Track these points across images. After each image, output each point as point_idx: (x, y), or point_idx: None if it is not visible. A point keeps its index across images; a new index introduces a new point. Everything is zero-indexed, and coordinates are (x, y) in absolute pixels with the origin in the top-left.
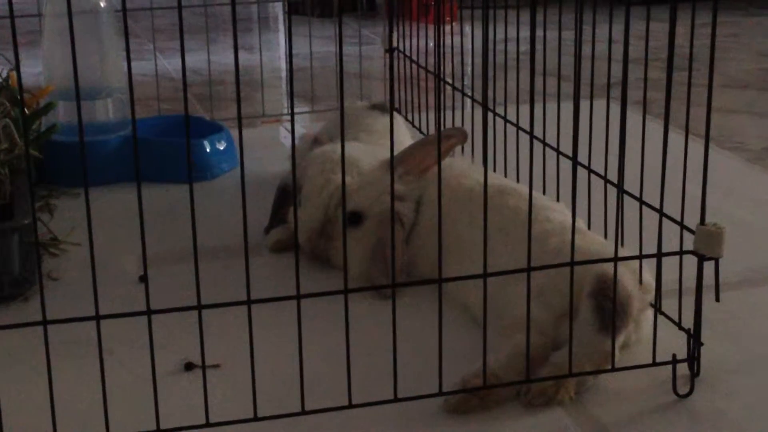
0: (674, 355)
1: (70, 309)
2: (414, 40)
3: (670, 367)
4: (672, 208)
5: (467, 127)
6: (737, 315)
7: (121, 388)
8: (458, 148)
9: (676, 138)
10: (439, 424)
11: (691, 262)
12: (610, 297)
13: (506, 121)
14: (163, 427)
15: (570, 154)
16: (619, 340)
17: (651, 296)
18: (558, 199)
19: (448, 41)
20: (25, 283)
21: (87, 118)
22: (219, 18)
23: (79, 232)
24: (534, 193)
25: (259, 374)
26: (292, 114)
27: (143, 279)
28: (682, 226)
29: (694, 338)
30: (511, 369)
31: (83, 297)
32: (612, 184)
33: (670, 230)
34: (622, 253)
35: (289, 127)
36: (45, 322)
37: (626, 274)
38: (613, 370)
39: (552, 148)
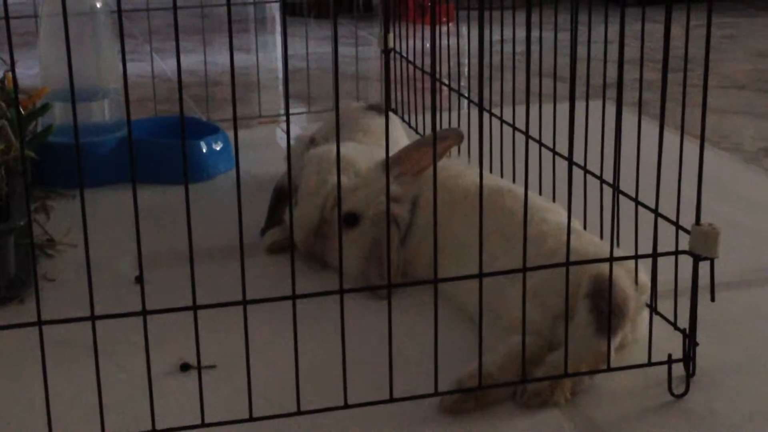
0: (670, 356)
1: (66, 310)
2: (410, 41)
3: (665, 367)
4: (667, 208)
5: (463, 128)
6: (733, 315)
7: (116, 388)
8: (454, 149)
9: (671, 138)
10: (434, 425)
11: (686, 262)
12: (607, 298)
13: (502, 121)
14: (158, 427)
15: (566, 155)
16: (616, 340)
17: (647, 296)
18: (554, 200)
19: (444, 42)
20: (21, 285)
21: (83, 119)
22: (215, 19)
23: (76, 233)
24: (530, 193)
25: (254, 374)
26: (288, 115)
27: (139, 280)
28: (678, 227)
29: (690, 338)
30: (507, 369)
31: (79, 298)
32: (608, 184)
33: (666, 231)
34: (617, 253)
35: (286, 128)
36: (40, 323)
37: (622, 274)
38: (609, 370)
39: (548, 148)
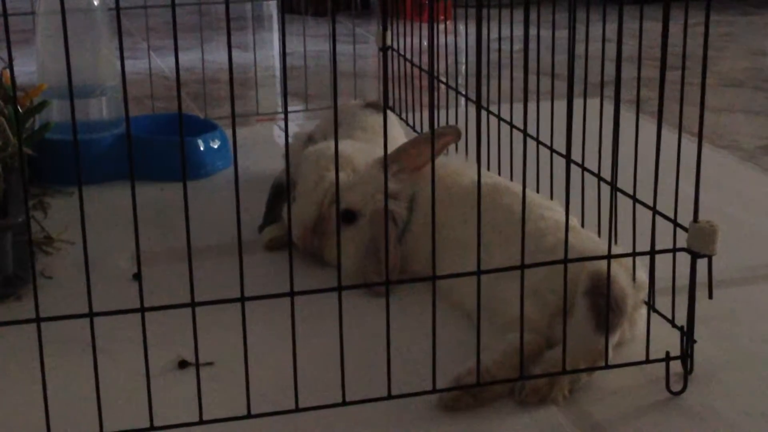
0: (667, 353)
1: (64, 307)
2: (408, 39)
3: (663, 364)
4: (665, 206)
5: (461, 126)
6: (730, 312)
7: (114, 385)
8: (452, 147)
9: (669, 136)
10: (432, 422)
11: (684, 259)
12: (605, 295)
13: (500, 119)
14: (156, 424)
15: (564, 153)
16: (614, 338)
17: (645, 294)
18: (552, 197)
19: (442, 40)
20: (18, 282)
21: (81, 116)
22: (213, 16)
23: (73, 230)
24: (528, 191)
25: (252, 371)
26: (286, 112)
27: (137, 277)
28: (676, 224)
29: (688, 335)
30: (505, 367)
31: (77, 295)
32: (605, 182)
33: (664, 228)
34: (615, 251)
35: (284, 126)
36: (38, 320)
37: (621, 272)
38: (607, 367)
39: (546, 146)
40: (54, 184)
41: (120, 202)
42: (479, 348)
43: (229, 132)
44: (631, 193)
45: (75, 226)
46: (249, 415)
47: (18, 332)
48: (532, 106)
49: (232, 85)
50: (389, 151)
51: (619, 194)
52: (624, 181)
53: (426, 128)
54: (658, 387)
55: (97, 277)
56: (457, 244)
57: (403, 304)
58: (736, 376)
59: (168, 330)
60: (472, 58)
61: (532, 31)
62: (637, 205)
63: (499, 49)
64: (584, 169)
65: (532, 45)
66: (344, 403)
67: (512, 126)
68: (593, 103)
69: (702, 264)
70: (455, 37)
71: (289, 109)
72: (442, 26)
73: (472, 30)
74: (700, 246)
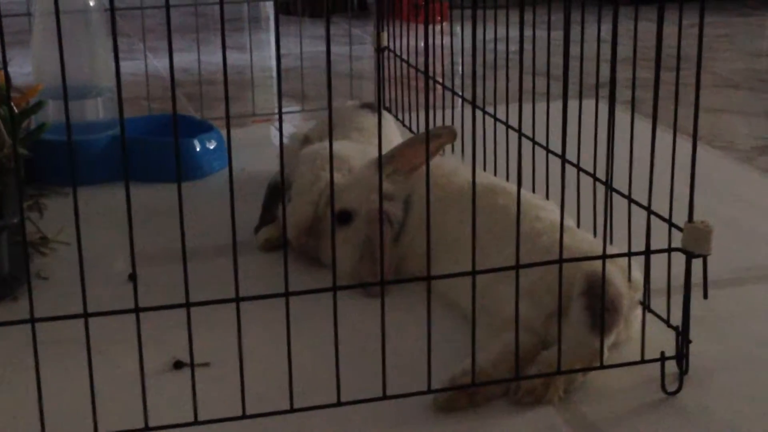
0: (663, 353)
1: (59, 308)
2: (404, 40)
3: (658, 364)
4: (660, 206)
5: (457, 126)
6: (725, 312)
7: (109, 386)
8: (448, 147)
9: (665, 137)
10: (427, 422)
11: (679, 259)
12: (601, 296)
13: (496, 119)
14: (151, 424)
15: (559, 153)
16: (610, 338)
17: (640, 294)
18: (547, 198)
19: (438, 41)
20: (14, 283)
21: (77, 117)
22: (209, 17)
23: (69, 231)
24: (523, 191)
25: (247, 372)
26: (280, 113)
27: (132, 277)
28: (671, 224)
29: (683, 336)
30: (501, 367)
31: (72, 296)
32: (600, 182)
33: (659, 228)
34: (611, 251)
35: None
36: (33, 320)
37: (616, 272)
38: (602, 367)
39: (541, 146)
40: (50, 185)
41: (116, 202)
42: (474, 348)
43: (225, 133)
44: (626, 193)
45: (71, 226)
46: (244, 416)
47: (12, 333)
48: (527, 106)
49: (227, 86)
50: (385, 152)
51: (614, 194)
52: (619, 182)
53: (422, 129)
54: (654, 387)
55: (92, 278)
56: (453, 245)
57: (397, 305)
58: (732, 376)
59: (163, 330)
60: (468, 58)
61: (528, 32)
62: (633, 206)
63: (495, 50)
64: (580, 169)
65: (528, 46)
66: (339, 404)
67: (508, 126)
68: (589, 103)
69: (697, 264)
70: (451, 37)
71: (286, 110)
72: (438, 27)
73: (468, 31)
74: (695, 246)
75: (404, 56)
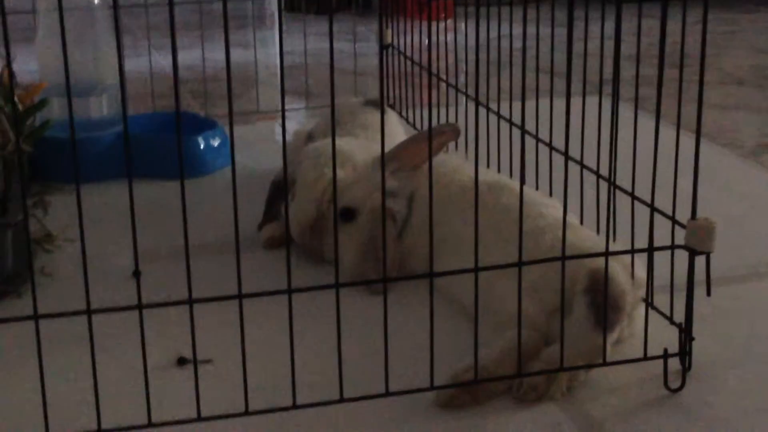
0: (666, 350)
1: (63, 304)
2: (408, 37)
3: (661, 361)
4: (664, 203)
5: (461, 123)
6: (728, 310)
7: (112, 382)
8: (452, 144)
9: (669, 134)
10: (430, 419)
11: (682, 257)
12: (604, 293)
13: (499, 117)
14: (154, 421)
15: (562, 150)
16: (613, 335)
17: (643, 291)
18: (551, 195)
19: (442, 38)
20: (18, 279)
21: (81, 114)
22: (214, 15)
23: (73, 228)
24: (527, 189)
25: (250, 369)
26: (283, 110)
27: (136, 274)
28: (674, 221)
29: (686, 333)
30: (503, 364)
31: (76, 293)
32: (604, 179)
33: (662, 225)
34: (614, 248)
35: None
36: (36, 317)
37: (619, 269)
38: (605, 364)
39: (545, 143)
40: (54, 182)
41: (120, 199)
42: (477, 345)
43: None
44: (630, 190)
45: (75, 223)
46: (247, 412)
47: (16, 329)
48: (531, 104)
49: (230, 83)
50: (388, 149)
51: (617, 192)
52: (622, 179)
53: (426, 126)
54: (657, 384)
55: (96, 275)
56: (456, 242)
57: (401, 302)
58: (735, 373)
59: (166, 327)
60: (472, 56)
61: (531, 29)
62: (636, 203)
63: (499, 47)
64: (583, 166)
65: (531, 43)
66: (342, 400)
67: (512, 123)
68: (593, 100)
69: (700, 261)
70: (455, 35)
71: (290, 107)
72: (442, 24)
73: (472, 28)
74: (698, 243)
75: (408, 53)
